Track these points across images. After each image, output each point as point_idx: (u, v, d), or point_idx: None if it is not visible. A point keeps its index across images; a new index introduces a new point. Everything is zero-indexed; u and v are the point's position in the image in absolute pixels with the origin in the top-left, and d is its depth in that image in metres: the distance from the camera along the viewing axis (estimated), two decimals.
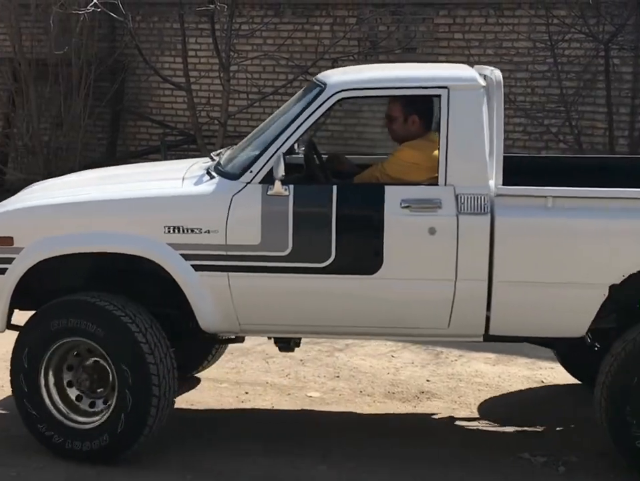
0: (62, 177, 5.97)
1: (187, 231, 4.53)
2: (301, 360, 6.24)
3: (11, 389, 4.76)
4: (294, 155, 5.08)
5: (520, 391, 5.80)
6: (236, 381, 5.88)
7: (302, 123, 4.53)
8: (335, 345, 6.46)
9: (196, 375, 5.86)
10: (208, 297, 4.57)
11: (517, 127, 9.61)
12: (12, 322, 4.84)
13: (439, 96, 4.47)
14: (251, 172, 4.53)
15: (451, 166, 4.42)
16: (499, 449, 4.92)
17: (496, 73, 4.56)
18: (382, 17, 9.99)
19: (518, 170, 4.91)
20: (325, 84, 4.60)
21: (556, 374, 5.93)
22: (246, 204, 4.51)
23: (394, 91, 4.68)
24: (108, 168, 6.62)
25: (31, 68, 10.23)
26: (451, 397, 5.64)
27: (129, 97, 11.19)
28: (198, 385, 5.80)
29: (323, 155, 5.19)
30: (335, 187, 4.51)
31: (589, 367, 4.98)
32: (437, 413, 5.41)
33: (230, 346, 6.47)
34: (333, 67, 9.89)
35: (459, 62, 9.64)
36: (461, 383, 5.87)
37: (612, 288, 4.40)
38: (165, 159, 9.84)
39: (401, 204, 4.42)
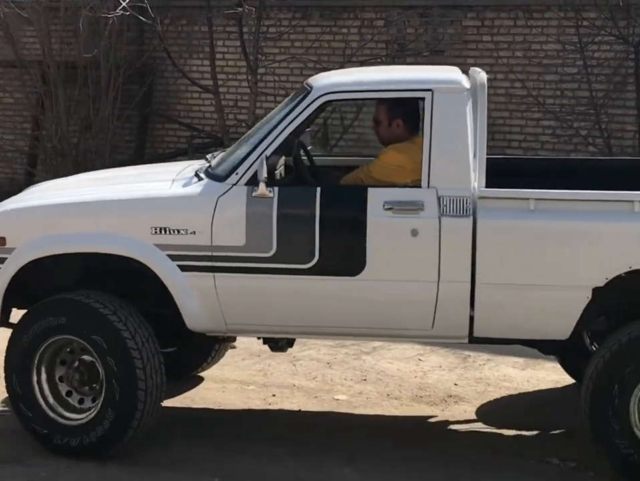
0: (62, 178, 6.05)
1: (173, 232, 4.59)
2: (328, 363, 6.23)
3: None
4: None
5: (544, 392, 5.75)
6: (263, 383, 5.88)
7: (287, 126, 4.58)
8: (362, 348, 6.44)
9: (199, 374, 5.90)
10: (194, 297, 4.62)
11: (546, 130, 9.55)
12: (11, 320, 4.93)
13: (423, 99, 4.49)
14: (237, 174, 4.59)
15: (434, 168, 4.44)
16: (527, 453, 4.87)
17: (481, 75, 4.56)
18: (410, 19, 9.95)
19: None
20: (311, 87, 4.65)
21: None
22: (231, 205, 4.56)
23: (379, 94, 4.75)
24: (109, 169, 6.67)
25: (60, 71, 10.28)
26: (479, 401, 5.60)
27: (158, 100, 11.22)
28: (225, 387, 5.80)
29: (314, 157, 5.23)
30: (318, 189, 4.53)
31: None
32: (464, 417, 5.38)
33: (257, 348, 6.48)
34: None
35: (487, 65, 9.65)
36: (489, 388, 5.83)
37: (596, 290, 4.38)
38: None
39: (383, 206, 4.45)
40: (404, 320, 4.56)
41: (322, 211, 4.49)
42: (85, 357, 4.74)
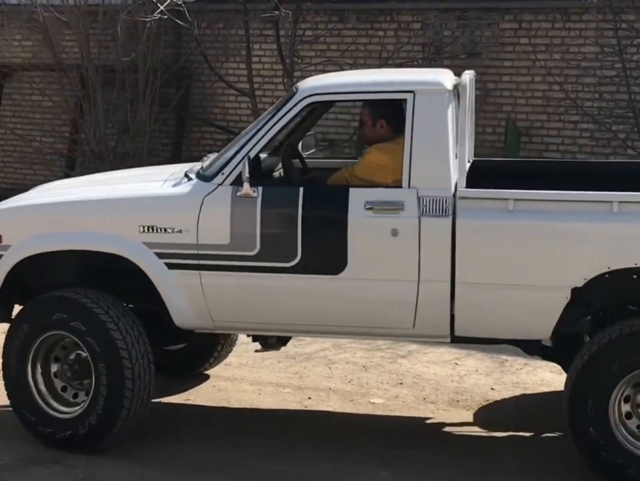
0: (68, 179, 6.24)
1: (161, 230, 4.70)
2: (364, 366, 6.22)
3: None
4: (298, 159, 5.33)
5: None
6: (299, 386, 5.88)
7: (272, 127, 4.68)
8: (398, 352, 6.42)
9: (205, 372, 5.98)
10: (181, 295, 4.72)
11: (584, 132, 9.47)
12: (13, 316, 5.06)
13: (405, 100, 4.54)
14: (222, 174, 4.69)
15: (414, 168, 4.49)
16: (568, 458, 4.82)
17: (464, 77, 4.63)
18: (447, 22, 9.92)
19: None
20: (297, 89, 4.75)
21: None
22: (216, 204, 4.65)
23: (362, 96, 4.87)
24: (115, 171, 6.79)
25: (98, 74, 10.37)
26: (516, 407, 5.55)
27: (194, 103, 11.28)
28: (261, 390, 5.81)
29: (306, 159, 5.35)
30: (301, 189, 4.61)
31: None
32: (501, 422, 5.34)
33: (293, 351, 6.50)
34: None
35: (525, 67, 9.61)
36: (526, 392, 5.78)
37: (575, 291, 4.38)
38: None
39: (364, 205, 4.51)
40: (385, 319, 4.60)
41: (304, 211, 4.56)
42: (78, 353, 4.85)
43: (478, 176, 5.11)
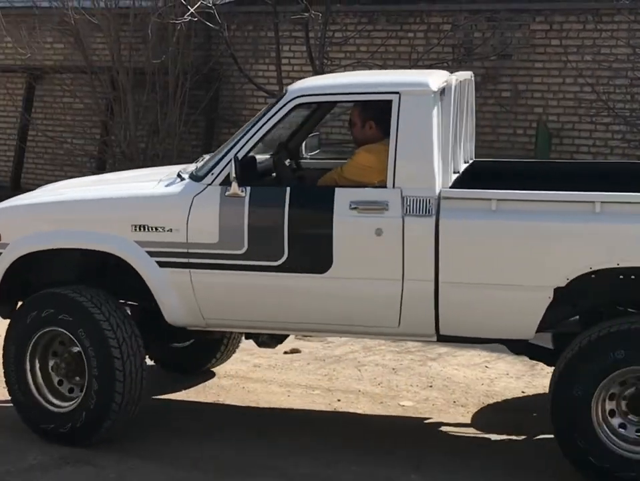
0: (74, 179, 6.34)
1: (152, 229, 4.80)
2: (393, 369, 6.20)
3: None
4: (303, 160, 5.50)
5: None
6: (328, 388, 5.87)
7: (260, 128, 4.74)
8: (428, 355, 6.40)
9: (212, 369, 6.08)
10: (172, 292, 4.82)
11: (616, 134, 9.38)
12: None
13: (391, 101, 4.57)
14: (212, 174, 4.77)
15: (399, 168, 4.53)
16: None
17: (450, 78, 4.69)
18: (477, 23, 9.87)
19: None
20: (286, 91, 4.82)
21: None
22: (206, 204, 4.74)
23: (349, 97, 4.95)
24: (122, 172, 6.89)
25: (128, 77, 10.43)
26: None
27: (224, 105, 11.31)
28: (290, 392, 5.81)
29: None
30: (288, 189, 4.68)
31: None
32: (533, 426, 5.29)
33: (322, 353, 6.50)
34: None
35: (556, 69, 9.54)
36: None
37: (558, 291, 4.38)
38: None
39: (349, 205, 4.56)
40: (371, 317, 4.65)
41: (291, 210, 4.62)
42: (73, 349, 4.95)
43: (478, 176, 5.18)
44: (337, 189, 4.64)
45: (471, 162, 5.55)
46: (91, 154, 11.35)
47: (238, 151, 4.72)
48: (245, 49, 10.99)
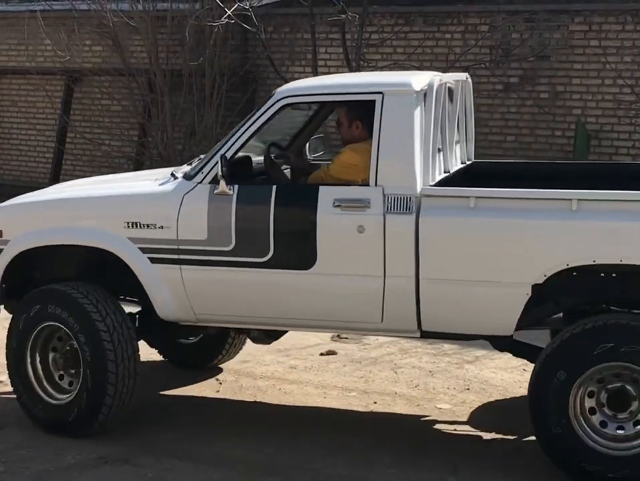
0: (82, 179, 6.58)
1: (144, 226, 4.93)
2: (430, 371, 6.17)
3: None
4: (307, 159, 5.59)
5: None
6: (364, 390, 5.86)
7: (248, 128, 4.87)
8: (465, 357, 6.36)
9: (219, 365, 6.19)
10: (163, 288, 4.95)
11: None
12: None
13: (374, 101, 4.66)
14: (202, 173, 4.91)
15: (381, 167, 4.62)
16: None
17: (433, 79, 4.74)
18: (515, 24, 9.81)
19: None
20: (275, 92, 4.94)
21: None
22: (195, 202, 4.87)
23: (334, 97, 5.02)
24: (128, 172, 7.13)
25: (166, 79, 10.49)
26: None
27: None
28: (326, 393, 5.80)
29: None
30: (274, 187, 4.79)
31: None
32: None
33: (358, 355, 6.48)
34: None
35: (594, 70, 9.45)
36: None
37: (536, 287, 4.43)
38: None
39: (333, 203, 4.65)
40: (355, 313, 4.74)
41: (276, 208, 4.72)
42: (71, 343, 5.06)
43: (477, 177, 5.26)
44: (321, 187, 4.74)
45: (470, 162, 5.63)
46: (129, 156, 11.43)
47: (227, 150, 4.85)
48: (282, 51, 11.01)
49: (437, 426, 5.33)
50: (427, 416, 5.47)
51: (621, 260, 4.35)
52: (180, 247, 4.87)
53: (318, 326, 5.00)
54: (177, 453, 4.89)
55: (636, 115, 9.31)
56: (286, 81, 10.39)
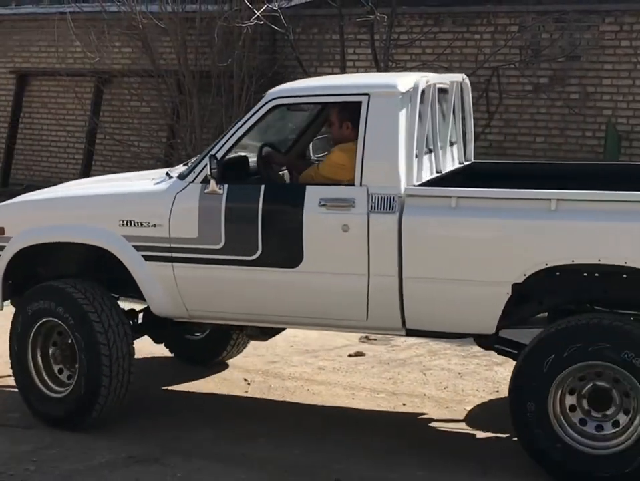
0: (90, 178, 6.88)
1: (138, 225, 5.05)
2: (459, 373, 6.14)
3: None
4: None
5: None
6: (393, 392, 5.84)
7: (239, 129, 4.97)
8: (494, 359, 6.31)
9: (226, 361, 6.27)
10: (157, 285, 5.07)
11: None
12: None
13: (361, 102, 4.74)
14: (194, 172, 5.01)
15: (366, 167, 4.69)
16: None
17: (422, 81, 4.80)
18: (545, 24, 9.75)
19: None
20: (266, 94, 5.04)
21: None
22: (186, 201, 4.97)
23: (323, 98, 5.13)
24: (135, 172, 7.11)
25: (194, 80, 10.52)
26: None
27: None
28: (355, 395, 5.79)
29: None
30: (262, 186, 4.87)
31: None
32: None
33: (387, 356, 6.47)
34: (492, 75, 9.77)
35: (625, 70, 9.38)
36: None
37: (516, 287, 4.48)
38: None
39: (319, 202, 4.73)
40: (341, 311, 4.81)
41: (264, 207, 4.81)
42: (69, 338, 5.17)
43: (476, 177, 5.33)
44: (307, 187, 4.82)
45: (469, 162, 5.71)
46: (158, 157, 11.48)
47: (218, 151, 4.94)
48: (310, 52, 11.02)
49: (467, 428, 5.31)
50: (456, 418, 5.44)
51: (599, 260, 4.38)
52: (172, 245, 4.98)
53: (306, 323, 5.08)
54: (206, 453, 4.90)
55: None
56: None
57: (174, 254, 4.98)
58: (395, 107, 4.67)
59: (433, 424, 5.37)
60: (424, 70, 10.22)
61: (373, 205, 4.64)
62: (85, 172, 12.25)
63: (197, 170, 4.99)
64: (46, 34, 12.42)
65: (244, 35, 10.20)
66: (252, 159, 5.24)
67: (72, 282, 5.18)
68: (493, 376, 6.08)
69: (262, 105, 4.94)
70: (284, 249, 4.80)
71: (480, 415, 5.48)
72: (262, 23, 9.65)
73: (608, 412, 4.45)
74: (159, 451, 4.93)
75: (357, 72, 10.66)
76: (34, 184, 12.67)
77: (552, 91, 9.75)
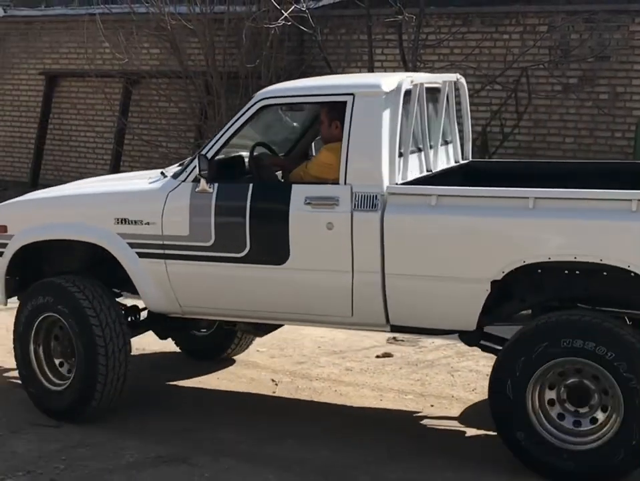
0: (99, 177, 6.96)
1: (132, 223, 5.19)
2: (487, 375, 6.06)
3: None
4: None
5: None
6: (421, 393, 5.82)
7: (229, 129, 5.08)
8: None
9: (233, 357, 6.38)
10: (150, 281, 5.21)
11: None
12: None
13: (346, 102, 4.82)
14: (186, 172, 5.14)
15: (350, 166, 4.77)
16: None
17: (406, 81, 4.86)
18: (574, 24, 9.69)
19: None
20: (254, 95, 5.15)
21: None
22: (178, 199, 5.09)
23: (309, 98, 5.23)
24: (141, 171, 7.25)
25: (222, 81, 10.55)
26: None
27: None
28: (382, 396, 5.78)
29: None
30: (251, 185, 4.97)
31: None
32: None
33: (415, 358, 6.45)
34: (521, 76, 9.72)
35: None
36: None
37: (495, 284, 4.55)
38: None
39: (305, 201, 4.82)
40: (327, 307, 4.91)
41: (252, 205, 4.91)
42: (69, 333, 5.30)
43: (473, 176, 5.42)
44: (293, 185, 4.93)
45: (466, 161, 5.81)
46: (186, 158, 11.48)
47: (208, 150, 5.04)
48: (338, 53, 11.01)
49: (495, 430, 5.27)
50: (484, 420, 5.41)
51: (575, 258, 4.44)
52: (165, 242, 5.10)
53: (294, 319, 5.17)
54: (234, 453, 4.91)
55: None
56: None
57: (167, 251, 5.11)
58: (378, 107, 4.76)
59: (461, 426, 5.35)
60: (453, 70, 10.21)
61: (357, 203, 4.73)
62: (114, 173, 12.31)
63: (189, 169, 5.11)
64: (75, 35, 12.51)
65: (271, 35, 10.21)
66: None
67: (72, 278, 5.32)
68: None
69: (251, 106, 5.04)
70: (272, 246, 4.91)
71: None
72: (290, 23, 9.66)
73: (586, 409, 4.50)
74: (187, 451, 4.94)
75: (385, 72, 10.66)
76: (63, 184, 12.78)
77: (581, 91, 9.68)
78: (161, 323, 5.62)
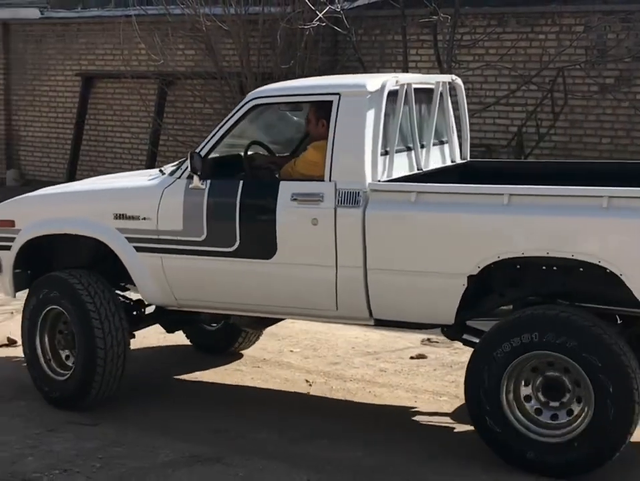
0: (101, 176, 7.17)
1: (130, 218, 5.37)
2: None
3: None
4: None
5: None
6: (456, 395, 5.79)
7: (221, 127, 5.26)
8: None
9: (240, 351, 6.54)
10: (147, 275, 5.40)
11: None
12: None
13: (332, 102, 4.97)
14: (181, 169, 5.32)
15: (335, 163, 4.91)
16: None
17: (391, 82, 4.98)
18: (611, 24, 9.60)
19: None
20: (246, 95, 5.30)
21: None
22: (173, 195, 5.28)
23: (298, 98, 5.39)
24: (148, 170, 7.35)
25: (257, 82, 10.55)
26: None
27: None
28: (417, 397, 5.76)
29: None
30: (241, 182, 5.13)
31: None
32: None
33: (449, 359, 6.43)
34: (557, 76, 9.65)
35: None
36: None
37: (472, 279, 4.65)
38: None
39: (291, 197, 4.97)
40: (312, 301, 5.06)
41: (242, 201, 5.07)
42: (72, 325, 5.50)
43: (469, 175, 5.51)
44: (281, 182, 5.08)
45: (464, 161, 5.92)
46: None
47: (201, 148, 5.21)
48: (372, 53, 11.00)
49: None
50: None
51: (548, 253, 4.52)
52: (160, 237, 5.29)
53: (283, 313, 5.33)
54: (268, 453, 4.93)
55: None
56: None
57: (162, 246, 5.29)
58: (362, 106, 4.89)
59: None
60: (488, 70, 10.18)
61: (340, 199, 4.87)
62: None
63: (184, 166, 5.27)
64: (111, 37, 12.62)
65: (306, 36, 10.23)
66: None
67: (75, 272, 5.50)
68: None
69: (243, 105, 5.21)
70: (260, 241, 5.06)
71: None
72: (324, 24, 9.67)
73: (560, 402, 4.56)
74: (221, 450, 4.96)
75: (420, 73, 10.64)
76: None
77: (618, 91, 9.60)
78: (167, 317, 5.77)
